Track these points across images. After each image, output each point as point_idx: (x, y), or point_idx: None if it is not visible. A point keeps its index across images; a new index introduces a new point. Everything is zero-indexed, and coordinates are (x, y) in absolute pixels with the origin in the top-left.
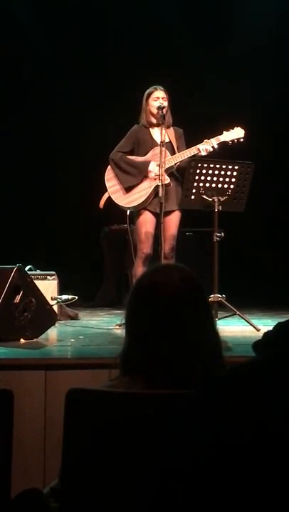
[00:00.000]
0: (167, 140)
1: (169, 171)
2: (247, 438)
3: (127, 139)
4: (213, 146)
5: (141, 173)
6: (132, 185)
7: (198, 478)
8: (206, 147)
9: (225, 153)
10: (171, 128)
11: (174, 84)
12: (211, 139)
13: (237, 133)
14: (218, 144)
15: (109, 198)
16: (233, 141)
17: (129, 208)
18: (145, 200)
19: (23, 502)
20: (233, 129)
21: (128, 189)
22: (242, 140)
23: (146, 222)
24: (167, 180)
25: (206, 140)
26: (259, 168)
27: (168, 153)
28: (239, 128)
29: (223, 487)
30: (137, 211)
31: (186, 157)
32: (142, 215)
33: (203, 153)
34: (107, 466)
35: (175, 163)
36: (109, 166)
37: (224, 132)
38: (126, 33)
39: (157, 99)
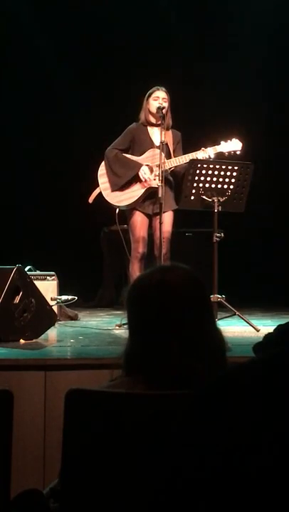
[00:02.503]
0: (162, 140)
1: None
2: (247, 438)
3: (123, 137)
4: (209, 156)
5: (131, 171)
6: (118, 186)
7: (199, 478)
8: (203, 156)
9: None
10: (170, 130)
11: (175, 88)
12: (208, 148)
13: (234, 145)
14: (214, 154)
15: (100, 194)
16: (229, 152)
17: (119, 206)
18: (135, 201)
19: (23, 502)
20: (231, 140)
21: (119, 188)
22: (238, 152)
23: (140, 223)
24: (156, 184)
25: (203, 148)
26: (259, 169)
27: (163, 154)
28: (237, 140)
29: (223, 487)
30: (129, 211)
31: (182, 163)
32: (135, 216)
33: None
34: (107, 466)
35: (169, 168)
36: (103, 162)
37: (222, 142)
38: (126, 35)
39: (157, 98)
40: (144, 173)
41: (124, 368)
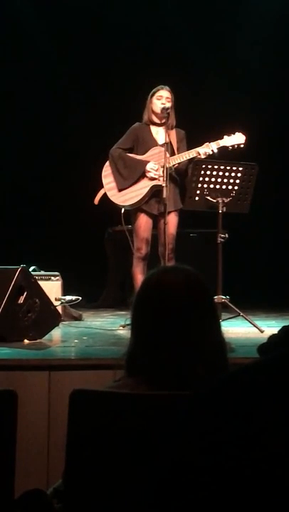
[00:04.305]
0: (168, 140)
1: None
2: (250, 439)
3: (127, 136)
4: (212, 150)
5: (136, 173)
6: (124, 187)
7: (200, 479)
8: (205, 151)
9: (229, 154)
10: (174, 129)
11: (176, 86)
12: (211, 143)
13: (237, 138)
14: (218, 149)
15: (105, 194)
16: (233, 146)
17: (124, 206)
18: (141, 199)
19: (27, 502)
20: (234, 134)
21: (123, 188)
22: (242, 146)
23: (144, 223)
24: (162, 182)
25: (206, 144)
26: (263, 170)
27: (167, 154)
28: (240, 133)
29: (224, 488)
30: (134, 212)
31: (185, 159)
32: (140, 216)
33: (203, 157)
34: (111, 467)
35: (173, 165)
36: (107, 162)
37: (225, 137)
38: (127, 36)
39: (161, 97)
40: (151, 168)
41: (126, 368)
